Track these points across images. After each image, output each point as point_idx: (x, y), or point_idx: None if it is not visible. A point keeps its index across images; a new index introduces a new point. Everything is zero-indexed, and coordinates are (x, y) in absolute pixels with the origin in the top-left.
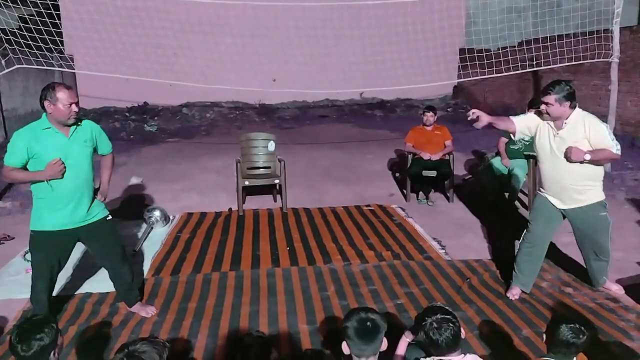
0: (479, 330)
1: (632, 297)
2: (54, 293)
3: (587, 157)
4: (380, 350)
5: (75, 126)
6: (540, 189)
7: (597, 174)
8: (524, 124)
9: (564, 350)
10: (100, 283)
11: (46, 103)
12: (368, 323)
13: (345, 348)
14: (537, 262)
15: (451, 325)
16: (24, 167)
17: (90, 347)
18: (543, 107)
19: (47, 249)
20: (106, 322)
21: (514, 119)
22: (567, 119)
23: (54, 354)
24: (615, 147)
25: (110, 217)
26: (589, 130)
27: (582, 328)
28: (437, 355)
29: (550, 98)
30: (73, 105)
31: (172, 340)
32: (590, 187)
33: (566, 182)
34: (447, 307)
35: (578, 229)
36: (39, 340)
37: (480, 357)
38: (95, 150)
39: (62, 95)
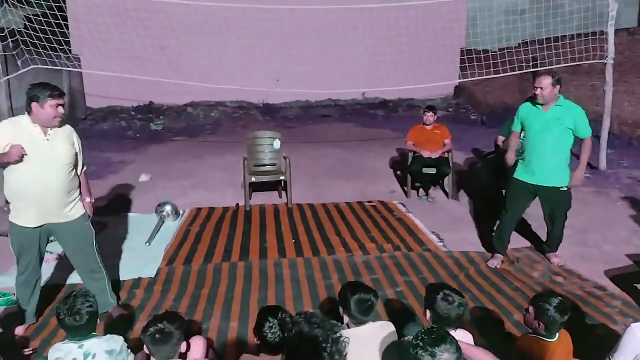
0: (473, 314)
1: (619, 286)
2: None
3: None
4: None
5: None
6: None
7: None
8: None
9: (552, 327)
10: (123, 271)
11: None
12: (367, 303)
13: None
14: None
15: (460, 299)
16: None
17: (109, 331)
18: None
19: None
20: (125, 306)
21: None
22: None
23: (99, 320)
24: None
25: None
26: None
27: (565, 304)
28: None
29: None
30: None
31: (188, 322)
32: None
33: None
34: (448, 284)
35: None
36: (89, 308)
37: (472, 335)
38: None
39: None
